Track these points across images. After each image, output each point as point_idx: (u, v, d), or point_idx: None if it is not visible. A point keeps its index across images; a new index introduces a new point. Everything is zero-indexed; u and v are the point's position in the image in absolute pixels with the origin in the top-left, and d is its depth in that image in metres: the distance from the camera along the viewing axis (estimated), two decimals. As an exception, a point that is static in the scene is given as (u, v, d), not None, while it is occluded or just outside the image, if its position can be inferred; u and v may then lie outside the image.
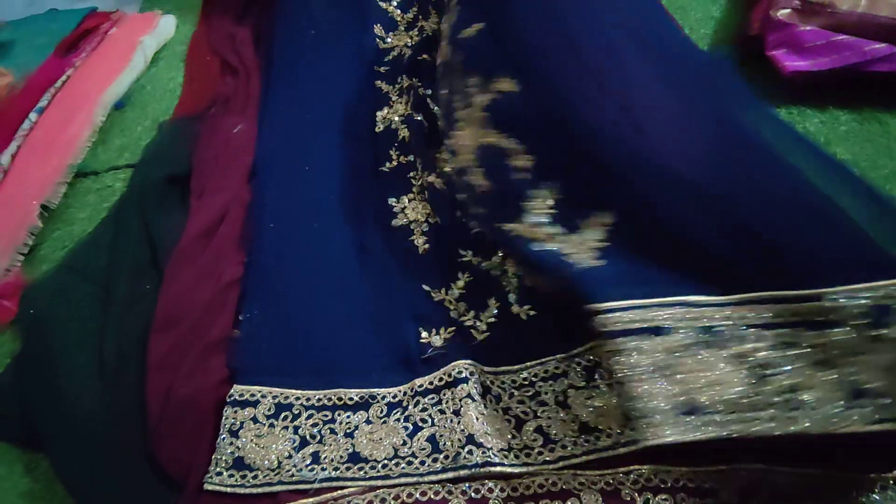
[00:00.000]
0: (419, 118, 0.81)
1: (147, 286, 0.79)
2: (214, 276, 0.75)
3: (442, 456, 0.53)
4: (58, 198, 0.91)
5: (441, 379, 0.58)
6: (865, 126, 0.79)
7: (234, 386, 0.62)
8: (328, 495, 0.54)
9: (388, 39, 0.94)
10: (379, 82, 0.90)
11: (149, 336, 0.71)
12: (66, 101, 0.99)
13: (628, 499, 0.49)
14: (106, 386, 0.71)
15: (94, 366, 0.73)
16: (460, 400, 0.55)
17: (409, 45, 0.91)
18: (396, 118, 0.83)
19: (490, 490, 0.52)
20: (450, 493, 0.52)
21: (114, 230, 0.86)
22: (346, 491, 0.54)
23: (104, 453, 0.65)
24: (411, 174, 0.78)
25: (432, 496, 0.52)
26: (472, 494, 0.52)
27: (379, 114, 0.85)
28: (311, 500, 0.54)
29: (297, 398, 0.61)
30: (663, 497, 0.49)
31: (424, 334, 0.65)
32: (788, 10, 0.81)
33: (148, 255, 0.82)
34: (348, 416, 0.59)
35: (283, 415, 0.60)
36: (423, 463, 0.54)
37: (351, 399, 0.60)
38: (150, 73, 1.12)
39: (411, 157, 0.79)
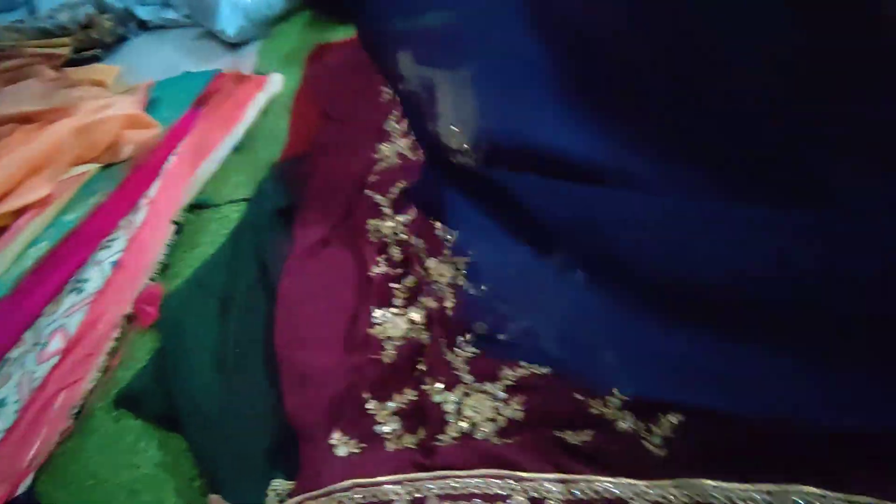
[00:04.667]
0: None
1: (258, 299, 0.95)
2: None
3: None
4: (186, 223, 1.10)
5: None
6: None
7: None
8: None
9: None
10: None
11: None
12: (196, 144, 1.20)
13: None
14: (225, 378, 0.86)
15: (215, 363, 0.89)
16: None
17: None
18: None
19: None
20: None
21: (231, 252, 1.04)
22: None
23: (224, 432, 0.79)
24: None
25: None
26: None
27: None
28: None
29: None
30: None
31: None
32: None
33: (259, 273, 0.99)
34: None
35: None
36: None
37: None
38: (261, 122, 1.32)
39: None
